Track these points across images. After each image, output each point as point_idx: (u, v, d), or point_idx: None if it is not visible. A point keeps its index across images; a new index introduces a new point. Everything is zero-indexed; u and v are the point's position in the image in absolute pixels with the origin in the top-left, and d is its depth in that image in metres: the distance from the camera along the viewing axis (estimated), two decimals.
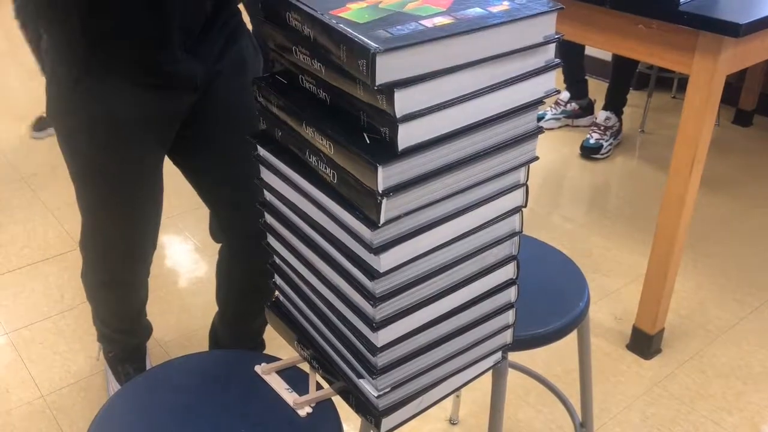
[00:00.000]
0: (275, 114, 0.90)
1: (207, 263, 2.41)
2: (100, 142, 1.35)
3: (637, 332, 2.04)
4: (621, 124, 3.22)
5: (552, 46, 0.84)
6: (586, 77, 3.36)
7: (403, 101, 0.73)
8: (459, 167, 0.82)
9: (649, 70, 3.47)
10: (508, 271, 0.97)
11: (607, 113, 3.15)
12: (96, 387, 1.90)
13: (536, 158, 0.90)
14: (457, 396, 1.82)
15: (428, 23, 0.75)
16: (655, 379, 1.96)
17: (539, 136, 0.89)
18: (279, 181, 0.94)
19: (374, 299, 0.83)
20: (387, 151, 0.76)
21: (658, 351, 2.05)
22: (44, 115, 3.10)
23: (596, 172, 3.06)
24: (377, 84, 0.72)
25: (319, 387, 1.03)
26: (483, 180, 0.87)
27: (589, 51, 3.37)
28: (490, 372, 1.07)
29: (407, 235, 0.82)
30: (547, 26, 0.82)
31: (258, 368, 1.06)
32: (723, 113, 3.42)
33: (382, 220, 0.78)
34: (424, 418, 1.58)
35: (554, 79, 0.87)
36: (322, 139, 0.81)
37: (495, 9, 0.79)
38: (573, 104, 3.35)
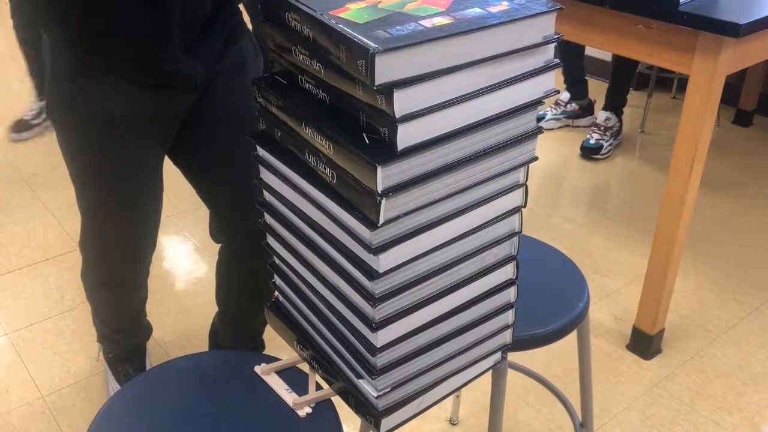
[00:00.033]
0: (275, 114, 0.90)
1: (207, 263, 2.41)
2: (96, 142, 1.35)
3: (637, 332, 2.04)
4: (621, 125, 3.22)
5: (551, 47, 0.84)
6: (586, 77, 3.36)
7: (403, 101, 0.73)
8: (458, 167, 0.82)
9: (649, 70, 3.47)
10: (507, 271, 0.97)
11: (607, 113, 3.15)
12: (96, 387, 1.90)
13: (536, 158, 0.90)
14: (457, 396, 1.82)
15: (427, 23, 0.75)
16: (655, 380, 1.96)
17: (539, 136, 0.89)
18: (278, 181, 0.94)
19: (374, 299, 0.83)
20: (386, 151, 0.76)
21: (658, 351, 2.05)
22: (23, 117, 3.12)
23: (596, 172, 3.06)
24: (376, 84, 0.72)
25: (318, 387, 1.03)
26: (482, 180, 0.87)
27: (589, 51, 3.37)
28: (490, 372, 1.07)
29: (407, 235, 0.82)
30: (546, 26, 0.82)
31: (258, 368, 1.06)
32: (723, 113, 3.42)
33: (382, 220, 0.78)
34: (424, 418, 1.58)
35: (554, 80, 0.87)
36: (321, 140, 0.81)
37: (494, 9, 0.79)
38: (573, 104, 3.35)
